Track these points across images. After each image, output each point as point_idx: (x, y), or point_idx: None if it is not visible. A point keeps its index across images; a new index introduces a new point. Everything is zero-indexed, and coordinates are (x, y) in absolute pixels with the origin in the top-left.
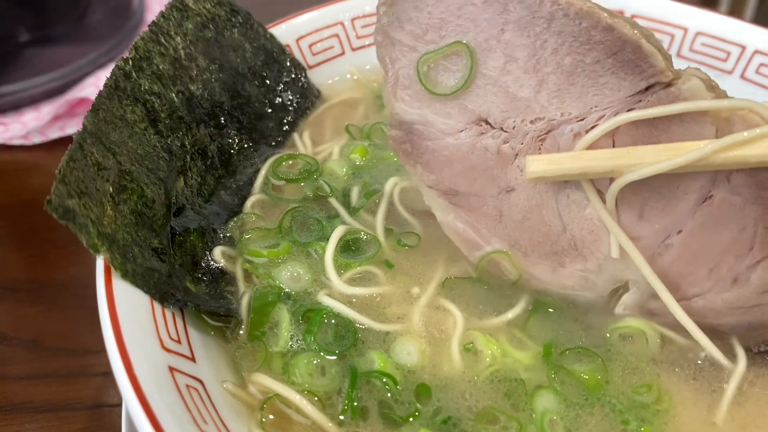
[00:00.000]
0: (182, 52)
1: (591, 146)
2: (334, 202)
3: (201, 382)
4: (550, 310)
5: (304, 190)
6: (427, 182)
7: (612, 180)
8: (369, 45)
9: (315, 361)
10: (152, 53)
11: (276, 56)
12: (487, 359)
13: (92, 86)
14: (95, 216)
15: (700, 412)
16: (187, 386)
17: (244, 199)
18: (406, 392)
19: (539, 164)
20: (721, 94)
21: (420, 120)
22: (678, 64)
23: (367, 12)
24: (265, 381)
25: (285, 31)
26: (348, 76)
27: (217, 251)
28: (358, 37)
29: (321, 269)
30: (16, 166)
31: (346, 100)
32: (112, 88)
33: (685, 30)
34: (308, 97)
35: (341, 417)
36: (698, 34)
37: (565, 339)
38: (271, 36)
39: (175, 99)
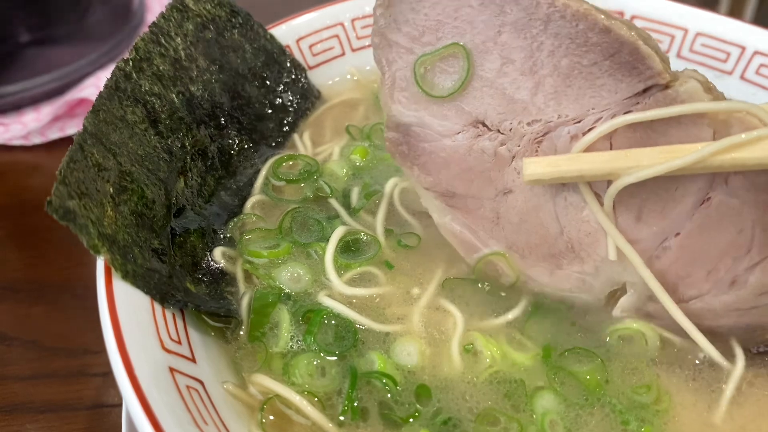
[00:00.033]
0: (182, 53)
1: (588, 148)
2: (334, 203)
3: (201, 382)
4: (549, 313)
5: (305, 190)
6: (424, 184)
7: (609, 182)
8: (369, 46)
9: (315, 362)
10: (152, 54)
11: (276, 57)
12: (487, 360)
13: (92, 87)
14: (96, 217)
15: (699, 412)
16: (188, 387)
17: (244, 199)
18: (406, 393)
19: (536, 166)
20: (718, 96)
21: (417, 122)
22: (678, 64)
23: (367, 13)
24: (266, 382)
25: (285, 31)
26: (348, 76)
27: (218, 252)
28: (359, 38)
29: (321, 270)
30: (17, 167)
31: (346, 101)
32: (112, 88)
33: (685, 31)
34: (308, 97)
35: (341, 418)
36: (698, 34)
37: (564, 341)
38: (272, 37)
39: (176, 100)
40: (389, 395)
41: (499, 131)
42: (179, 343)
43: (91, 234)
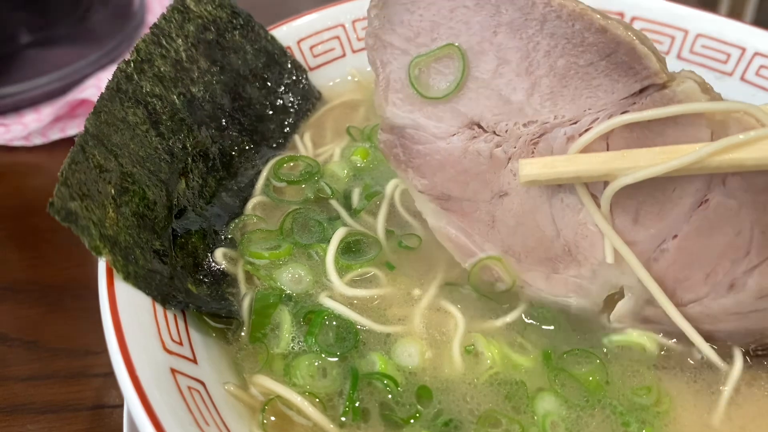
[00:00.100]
0: (183, 54)
1: (585, 149)
2: (335, 204)
3: (202, 383)
4: (547, 320)
5: (305, 191)
6: (419, 187)
7: (606, 184)
8: None
9: (316, 363)
10: (154, 55)
11: (277, 58)
12: (488, 361)
13: (93, 87)
14: (97, 218)
15: (700, 414)
16: (189, 388)
17: (245, 200)
18: (407, 394)
19: (532, 168)
20: (715, 97)
21: (411, 124)
22: (678, 66)
23: None
24: (267, 382)
25: (286, 33)
26: (349, 77)
27: (219, 253)
28: (359, 39)
29: (322, 271)
30: (17, 168)
31: (346, 102)
32: (113, 90)
33: (686, 32)
34: (309, 98)
35: (342, 419)
36: (698, 35)
37: (564, 346)
38: (272, 38)
39: (177, 101)
40: (390, 396)
41: (494, 133)
42: (180, 344)
43: (93, 235)
